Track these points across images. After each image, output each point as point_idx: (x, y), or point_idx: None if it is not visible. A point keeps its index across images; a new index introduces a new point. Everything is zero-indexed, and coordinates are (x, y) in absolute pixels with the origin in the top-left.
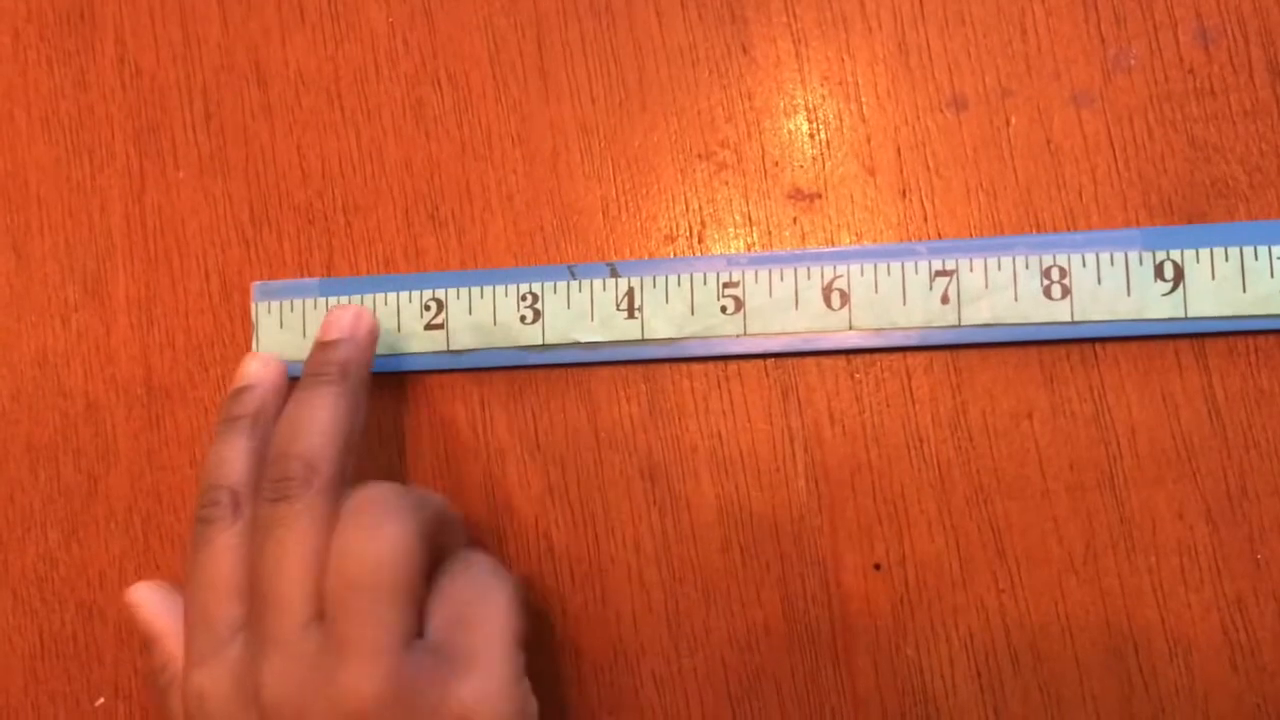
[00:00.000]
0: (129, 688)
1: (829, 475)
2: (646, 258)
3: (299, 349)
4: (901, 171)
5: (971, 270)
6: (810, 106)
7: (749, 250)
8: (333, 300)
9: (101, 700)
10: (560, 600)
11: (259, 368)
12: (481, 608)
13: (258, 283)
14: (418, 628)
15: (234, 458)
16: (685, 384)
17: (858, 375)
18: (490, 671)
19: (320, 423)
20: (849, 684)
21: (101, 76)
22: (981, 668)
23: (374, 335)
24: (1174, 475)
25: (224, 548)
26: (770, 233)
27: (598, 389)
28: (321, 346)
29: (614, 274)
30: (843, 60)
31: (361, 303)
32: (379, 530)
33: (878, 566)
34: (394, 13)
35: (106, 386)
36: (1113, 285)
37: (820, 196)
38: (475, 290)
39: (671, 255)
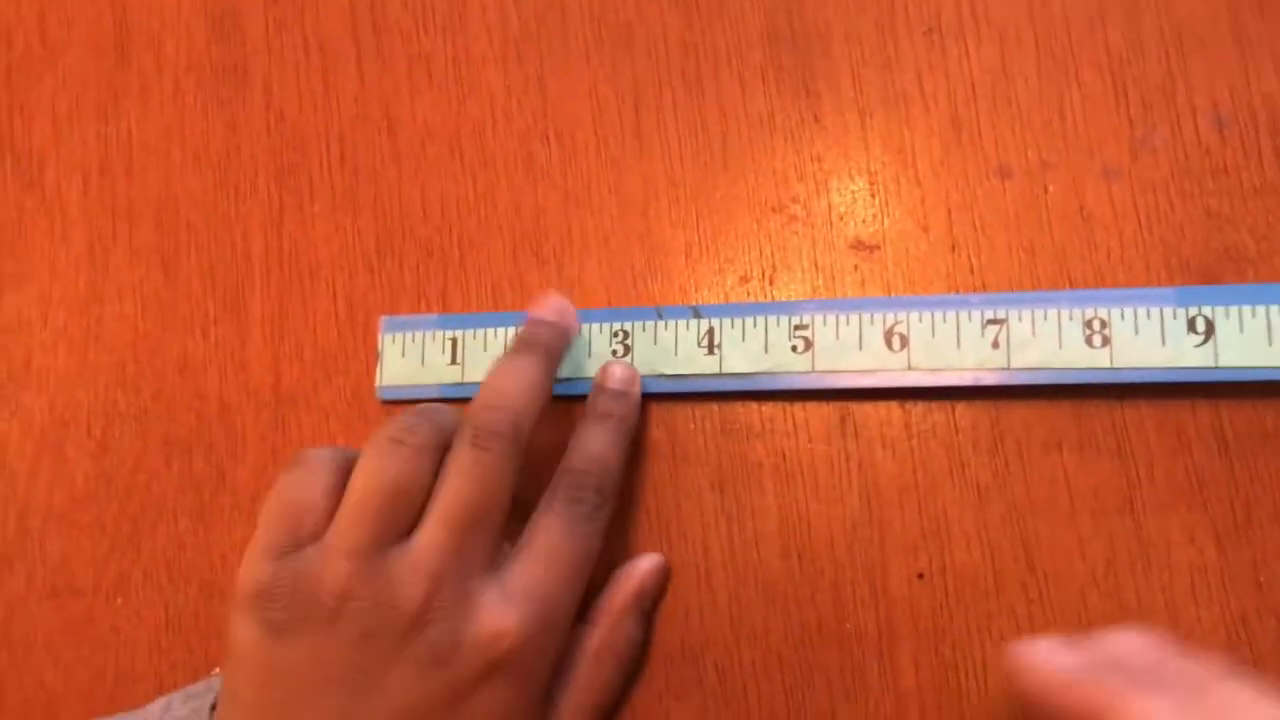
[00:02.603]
0: None
1: (880, 493)
2: (722, 296)
3: (416, 375)
4: (951, 229)
5: (1020, 320)
6: (872, 170)
7: (814, 292)
8: (449, 333)
9: (218, 671)
10: None
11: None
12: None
13: (385, 316)
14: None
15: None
16: (754, 407)
17: (907, 405)
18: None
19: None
20: (892, 680)
21: (250, 121)
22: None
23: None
24: (1187, 503)
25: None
26: (834, 278)
27: (676, 410)
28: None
29: (697, 315)
30: (902, 132)
31: (473, 336)
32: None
33: (921, 576)
34: (510, 77)
35: (239, 391)
36: (1149, 336)
37: (879, 248)
38: None
39: (746, 294)
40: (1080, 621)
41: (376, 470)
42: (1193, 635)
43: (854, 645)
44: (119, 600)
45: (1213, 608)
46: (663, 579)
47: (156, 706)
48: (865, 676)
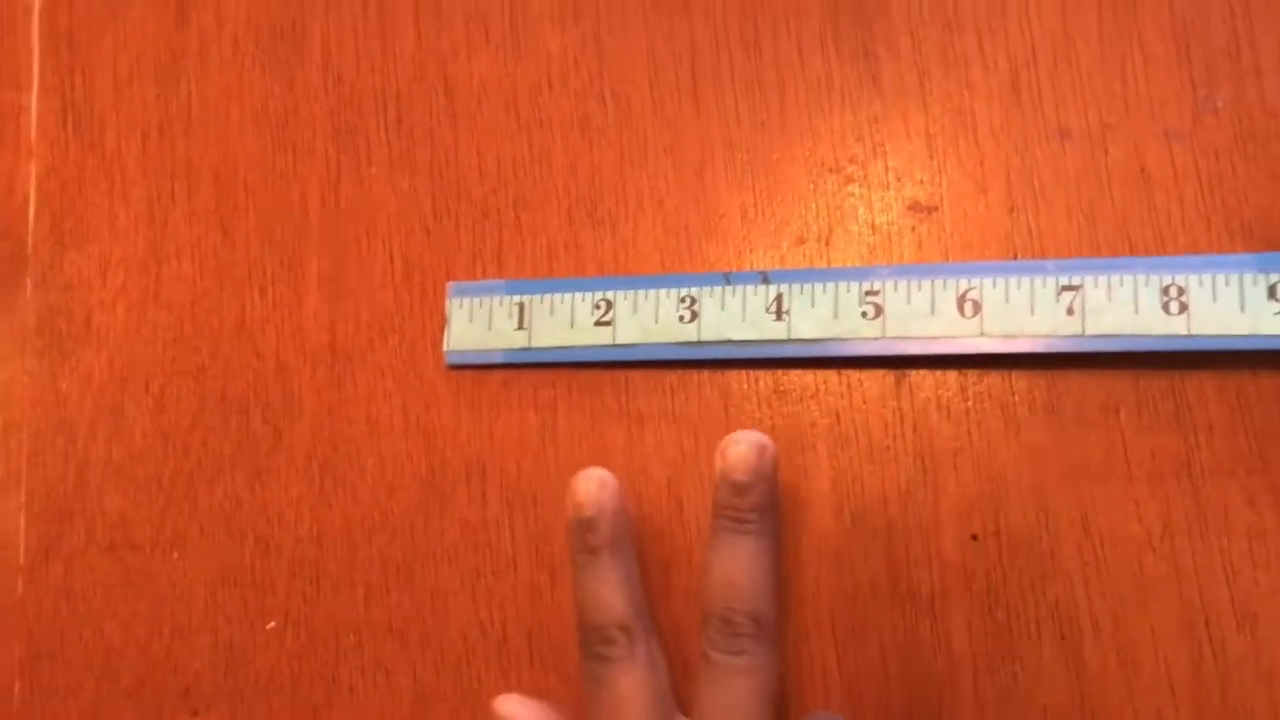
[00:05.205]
0: (298, 614)
1: (934, 454)
2: (779, 258)
3: (484, 340)
4: (1010, 192)
5: (1096, 286)
6: (931, 132)
7: (871, 254)
8: (517, 299)
9: (273, 624)
10: (685, 553)
11: (597, 490)
12: None
13: (453, 282)
14: None
15: (611, 594)
16: (808, 369)
17: (964, 366)
18: None
19: (758, 577)
20: (944, 640)
21: (307, 81)
22: (1065, 631)
23: (776, 470)
24: (1246, 468)
25: (633, 688)
26: (891, 239)
27: (729, 371)
28: (738, 490)
29: (765, 281)
30: (962, 94)
31: (540, 301)
32: None
33: (975, 537)
34: (567, 37)
35: (295, 350)
36: (1228, 303)
37: (936, 209)
38: (641, 293)
39: (802, 256)
40: (1136, 585)
41: None
42: (1251, 598)
43: (906, 605)
44: (176, 555)
45: (1271, 572)
46: None
47: None
48: (917, 637)
